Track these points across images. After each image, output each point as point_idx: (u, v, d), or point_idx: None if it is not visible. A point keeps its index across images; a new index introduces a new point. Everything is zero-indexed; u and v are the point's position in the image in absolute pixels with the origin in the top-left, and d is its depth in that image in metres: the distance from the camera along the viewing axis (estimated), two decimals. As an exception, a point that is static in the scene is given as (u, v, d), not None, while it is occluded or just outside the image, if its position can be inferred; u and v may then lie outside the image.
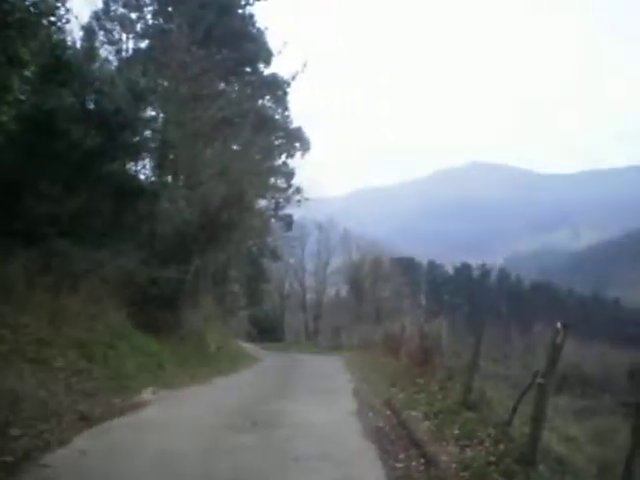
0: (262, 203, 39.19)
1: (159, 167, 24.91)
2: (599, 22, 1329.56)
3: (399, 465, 8.63)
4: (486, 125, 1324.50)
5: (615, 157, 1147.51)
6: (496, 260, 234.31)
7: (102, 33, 27.88)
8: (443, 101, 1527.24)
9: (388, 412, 13.18)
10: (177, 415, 11.99)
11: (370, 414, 13.09)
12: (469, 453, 9.03)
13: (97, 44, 23.97)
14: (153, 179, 24.49)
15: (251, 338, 55.78)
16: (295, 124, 41.44)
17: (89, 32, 24.53)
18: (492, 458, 8.45)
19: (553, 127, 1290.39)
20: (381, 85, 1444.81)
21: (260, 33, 35.71)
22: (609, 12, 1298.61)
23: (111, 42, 28.42)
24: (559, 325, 7.88)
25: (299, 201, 42.95)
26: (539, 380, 8.08)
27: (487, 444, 9.21)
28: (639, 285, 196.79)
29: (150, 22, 31.52)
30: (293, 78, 36.78)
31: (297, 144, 42.26)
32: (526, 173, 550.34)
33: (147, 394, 14.03)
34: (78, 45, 20.46)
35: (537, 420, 8.05)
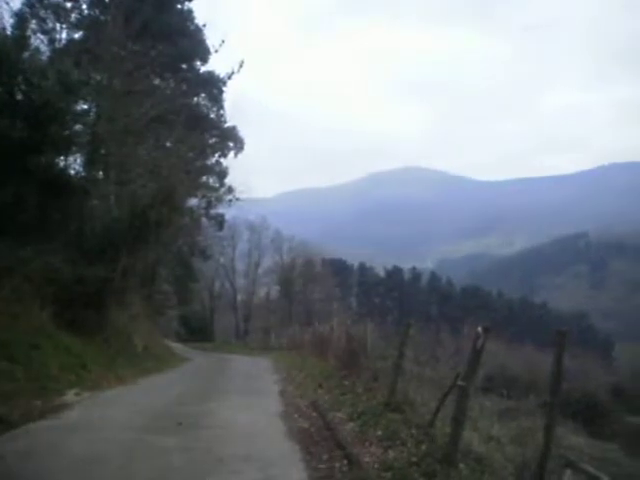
0: (193, 202, 38.82)
1: (89, 163, 24.36)
2: (527, 39, 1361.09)
3: (322, 466, 8.67)
4: (420, 130, 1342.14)
5: (543, 166, 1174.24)
6: (427, 264, 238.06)
7: (34, 21, 26.88)
8: (377, 105, 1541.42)
9: (314, 413, 13.22)
10: (100, 417, 11.81)
11: (296, 415, 13.13)
12: (392, 454, 9.12)
13: (29, 32, 23.32)
14: (83, 175, 23.98)
15: (181, 338, 55.26)
16: (230, 123, 41.26)
17: (21, 19, 23.72)
18: (414, 458, 8.59)
19: (487, 135, 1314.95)
20: (315, 88, 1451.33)
21: (198, 30, 35.44)
22: (535, 30, 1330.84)
23: (44, 31, 27.46)
24: (479, 329, 8.06)
25: (231, 201, 42.62)
26: (460, 382, 8.25)
27: (410, 445, 9.34)
28: (565, 289, 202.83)
29: (85, 12, 30.81)
30: (229, 77, 36.58)
31: (231, 143, 42.02)
32: (458, 179, 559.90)
33: (70, 396, 13.77)
34: (8, 32, 19.95)
35: (458, 421, 8.23)
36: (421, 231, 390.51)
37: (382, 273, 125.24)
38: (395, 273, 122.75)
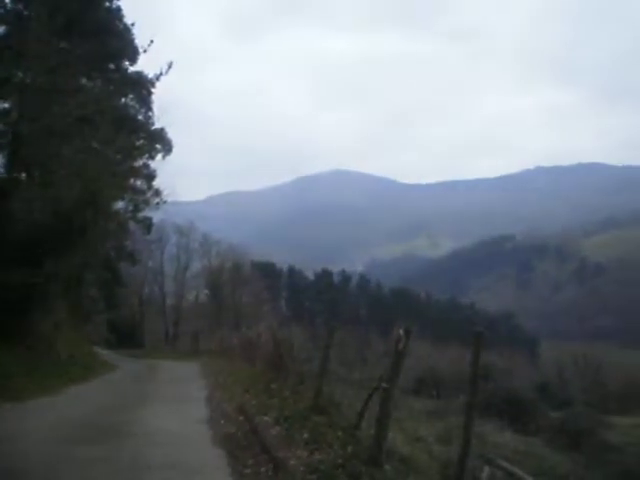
0: (120, 205, 38.20)
1: (11, 164, 23.72)
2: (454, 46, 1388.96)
3: (247, 471, 8.69)
4: (351, 134, 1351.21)
5: (471, 169, 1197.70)
6: (357, 267, 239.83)
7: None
8: (309, 108, 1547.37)
9: (241, 418, 13.18)
10: (21, 429, 11.52)
11: (222, 421, 13.07)
12: (318, 456, 9.17)
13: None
14: (3, 176, 23.33)
15: (110, 344, 54.14)
16: (158, 125, 40.67)
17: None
18: (340, 460, 8.67)
19: (416, 138, 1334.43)
20: (247, 90, 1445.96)
21: (127, 29, 34.71)
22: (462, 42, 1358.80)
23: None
24: (401, 331, 8.19)
25: (158, 203, 42.11)
26: (383, 384, 8.36)
27: (335, 447, 9.43)
28: (492, 290, 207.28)
29: (9, 7, 29.91)
30: (158, 78, 35.94)
31: (159, 145, 41.42)
32: (388, 182, 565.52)
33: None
34: None
35: (382, 422, 8.34)
36: (351, 234, 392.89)
37: (312, 276, 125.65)
38: (324, 276, 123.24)
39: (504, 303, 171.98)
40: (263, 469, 8.76)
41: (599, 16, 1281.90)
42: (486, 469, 6.65)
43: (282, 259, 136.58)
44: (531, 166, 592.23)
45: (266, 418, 12.78)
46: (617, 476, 15.68)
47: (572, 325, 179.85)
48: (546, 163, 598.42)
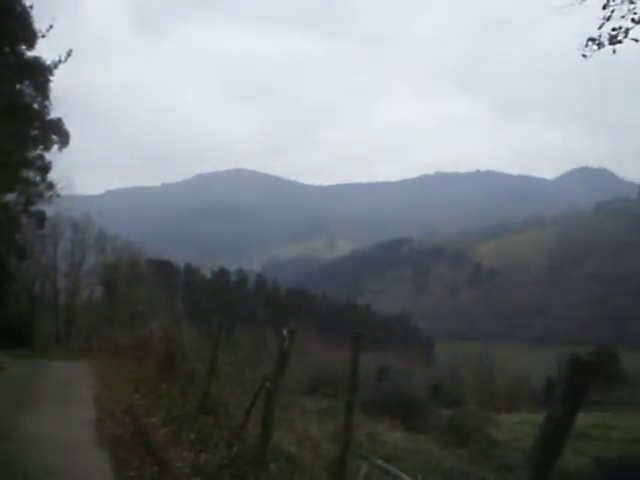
0: (11, 197, 36.77)
1: None
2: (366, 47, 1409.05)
3: (132, 473, 8.53)
4: (253, 133, 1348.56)
5: (372, 172, 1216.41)
6: (254, 266, 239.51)
7: None
8: (212, 105, 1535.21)
9: (128, 419, 12.89)
10: None
11: (109, 422, 12.72)
12: (204, 457, 9.09)
13: None
14: None
15: (-2, 345, 51.90)
16: (55, 115, 39.21)
17: None
18: (225, 461, 8.63)
19: (319, 140, 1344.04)
20: (151, 85, 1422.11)
21: (25, 11, 33.36)
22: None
23: None
24: (285, 332, 8.16)
25: (52, 197, 40.67)
26: (267, 384, 8.32)
27: (222, 447, 9.37)
28: (389, 292, 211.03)
29: None
30: (56, 66, 34.82)
31: (55, 136, 39.94)
32: (288, 182, 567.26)
33: None
34: None
35: (267, 422, 8.30)
36: (249, 233, 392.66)
37: (209, 275, 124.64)
38: (221, 275, 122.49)
39: (401, 305, 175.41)
40: (148, 471, 8.60)
41: (500, 35, 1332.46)
42: (364, 467, 6.74)
43: (179, 257, 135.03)
44: (430, 172, 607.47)
45: (154, 419, 12.53)
46: (497, 469, 16.23)
47: (466, 326, 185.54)
48: (445, 169, 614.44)
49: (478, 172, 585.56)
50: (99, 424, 12.52)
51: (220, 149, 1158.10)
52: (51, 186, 40.24)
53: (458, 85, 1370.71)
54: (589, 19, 9.75)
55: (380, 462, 6.88)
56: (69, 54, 33.62)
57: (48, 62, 35.10)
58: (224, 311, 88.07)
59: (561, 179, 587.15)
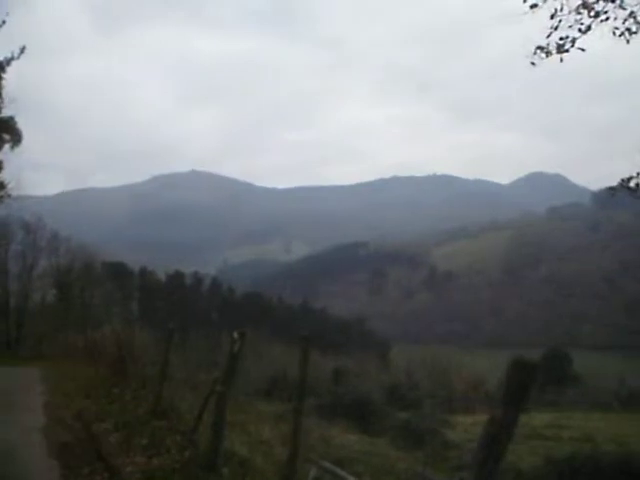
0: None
1: None
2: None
3: (82, 481, 8.35)
4: (211, 135, 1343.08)
5: (328, 176, 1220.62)
6: (210, 269, 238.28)
7: None
8: (170, 107, 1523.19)
9: (78, 425, 12.67)
10: None
11: (58, 429, 12.46)
12: (155, 462, 8.98)
13: None
14: None
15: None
16: (6, 113, 38.44)
17: None
18: (177, 465, 8.56)
19: (276, 143, 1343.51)
20: (110, 85, 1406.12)
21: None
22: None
23: None
24: (235, 334, 8.11)
25: (2, 197, 39.89)
26: (218, 388, 8.26)
27: (173, 452, 9.29)
28: (345, 296, 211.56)
29: None
30: (8, 63, 34.14)
31: (7, 135, 39.23)
32: (245, 185, 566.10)
33: None
34: None
35: (218, 425, 8.25)
36: (206, 236, 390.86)
37: (164, 278, 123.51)
38: (177, 278, 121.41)
39: (357, 308, 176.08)
40: (98, 478, 8.45)
41: (457, 39, 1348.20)
42: (312, 470, 6.73)
43: (134, 259, 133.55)
44: (387, 175, 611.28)
45: (105, 424, 12.33)
46: (452, 469, 16.39)
47: (422, 329, 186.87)
48: (401, 173, 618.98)
49: (434, 176, 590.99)
50: (48, 431, 12.24)
51: (176, 151, 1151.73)
52: (2, 186, 39.42)
53: (416, 89, 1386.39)
54: (541, 27, 9.95)
55: (328, 465, 6.86)
56: (22, 51, 32.96)
57: (0, 59, 34.47)
58: (179, 314, 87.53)
59: (516, 184, 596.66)
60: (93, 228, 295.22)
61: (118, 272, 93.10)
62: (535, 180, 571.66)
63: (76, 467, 9.09)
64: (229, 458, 8.52)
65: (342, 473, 6.43)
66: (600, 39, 9.67)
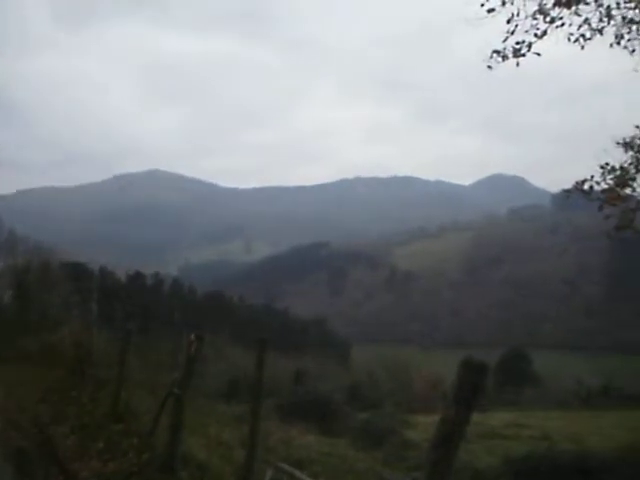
0: None
1: None
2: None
3: (36, 486, 8.22)
4: (172, 135, 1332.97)
5: (291, 176, 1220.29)
6: (172, 269, 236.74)
7: None
8: (133, 105, 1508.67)
9: (34, 429, 12.45)
10: None
11: (13, 434, 12.23)
12: (112, 466, 8.87)
13: None
14: None
15: None
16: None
17: None
18: (134, 469, 8.48)
19: (239, 143, 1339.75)
20: (72, 82, 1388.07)
21: None
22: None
23: None
24: (192, 336, 8.07)
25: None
26: (175, 390, 8.20)
27: (130, 455, 9.17)
28: (304, 296, 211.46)
29: None
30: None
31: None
32: (207, 185, 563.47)
33: None
34: None
35: (176, 428, 8.19)
36: (167, 236, 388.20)
37: (124, 279, 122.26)
38: (137, 279, 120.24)
39: (318, 309, 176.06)
40: (53, 483, 8.33)
41: (422, 42, 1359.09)
42: (268, 472, 6.74)
43: (95, 260, 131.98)
44: (350, 176, 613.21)
45: (62, 428, 12.15)
46: (411, 469, 16.46)
47: (383, 330, 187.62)
48: (364, 174, 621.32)
49: (396, 177, 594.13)
50: (2, 436, 12.02)
51: (139, 150, 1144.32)
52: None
53: (380, 91, 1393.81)
54: (501, 32, 10.09)
55: (285, 466, 6.86)
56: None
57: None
58: (140, 315, 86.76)
59: (476, 185, 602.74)
60: (52, 228, 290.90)
61: (77, 273, 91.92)
62: (495, 182, 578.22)
63: (31, 472, 8.98)
64: (187, 461, 8.47)
65: (298, 474, 6.44)
66: (556, 44, 9.82)
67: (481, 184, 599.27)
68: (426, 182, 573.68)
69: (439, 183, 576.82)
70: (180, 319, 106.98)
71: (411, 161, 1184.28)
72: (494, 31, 10.12)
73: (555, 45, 9.80)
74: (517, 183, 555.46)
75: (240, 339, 71.77)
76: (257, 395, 7.07)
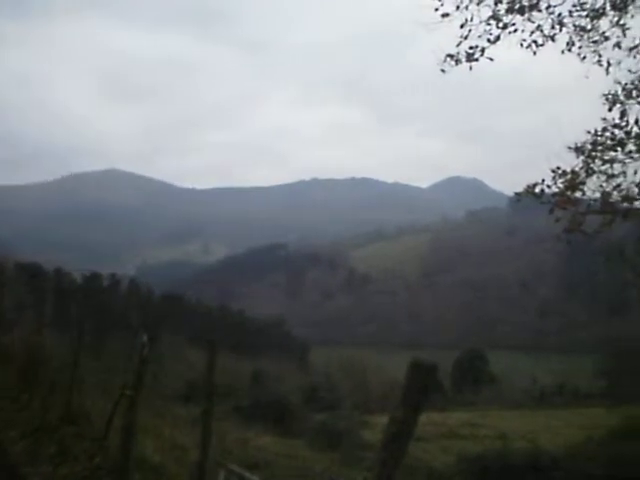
0: None
1: None
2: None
3: (-17, 493, 8.07)
4: (129, 134, 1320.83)
5: (248, 177, 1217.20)
6: (129, 270, 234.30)
7: None
8: (89, 103, 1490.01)
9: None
10: None
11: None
12: (63, 470, 8.72)
13: None
14: None
15: None
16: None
17: None
18: (86, 473, 8.37)
19: (196, 143, 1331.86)
20: (27, 77, 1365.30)
21: None
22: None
23: None
24: (144, 338, 8.01)
25: None
26: (128, 392, 8.13)
27: (82, 459, 9.05)
28: (263, 297, 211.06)
29: None
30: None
31: None
32: (165, 185, 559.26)
33: None
34: None
35: (128, 431, 8.11)
36: (124, 236, 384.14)
37: (80, 279, 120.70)
38: (93, 279, 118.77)
39: (275, 310, 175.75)
40: (2, 489, 8.18)
41: (383, 45, 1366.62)
42: (221, 474, 6.74)
43: (50, 260, 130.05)
44: (307, 178, 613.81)
45: (12, 433, 11.92)
46: (368, 469, 16.56)
47: (341, 331, 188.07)
48: (322, 176, 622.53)
49: (353, 179, 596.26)
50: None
51: (95, 149, 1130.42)
52: None
53: (341, 93, 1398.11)
54: (456, 36, 10.20)
55: (236, 468, 6.86)
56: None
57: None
58: (96, 317, 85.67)
59: (434, 188, 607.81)
60: (5, 228, 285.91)
61: (32, 273, 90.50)
62: (453, 184, 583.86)
63: (-22, 477, 8.80)
64: (141, 464, 8.38)
65: (248, 476, 6.44)
66: (509, 50, 9.96)
67: (439, 186, 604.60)
68: (383, 184, 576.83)
69: (396, 185, 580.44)
70: (137, 320, 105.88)
71: (369, 163, 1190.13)
72: (451, 36, 10.24)
73: (508, 50, 9.97)
74: (475, 186, 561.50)
75: (197, 341, 71.35)
76: (209, 396, 7.05)
